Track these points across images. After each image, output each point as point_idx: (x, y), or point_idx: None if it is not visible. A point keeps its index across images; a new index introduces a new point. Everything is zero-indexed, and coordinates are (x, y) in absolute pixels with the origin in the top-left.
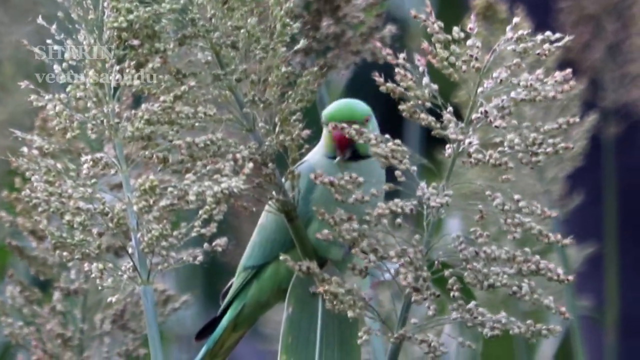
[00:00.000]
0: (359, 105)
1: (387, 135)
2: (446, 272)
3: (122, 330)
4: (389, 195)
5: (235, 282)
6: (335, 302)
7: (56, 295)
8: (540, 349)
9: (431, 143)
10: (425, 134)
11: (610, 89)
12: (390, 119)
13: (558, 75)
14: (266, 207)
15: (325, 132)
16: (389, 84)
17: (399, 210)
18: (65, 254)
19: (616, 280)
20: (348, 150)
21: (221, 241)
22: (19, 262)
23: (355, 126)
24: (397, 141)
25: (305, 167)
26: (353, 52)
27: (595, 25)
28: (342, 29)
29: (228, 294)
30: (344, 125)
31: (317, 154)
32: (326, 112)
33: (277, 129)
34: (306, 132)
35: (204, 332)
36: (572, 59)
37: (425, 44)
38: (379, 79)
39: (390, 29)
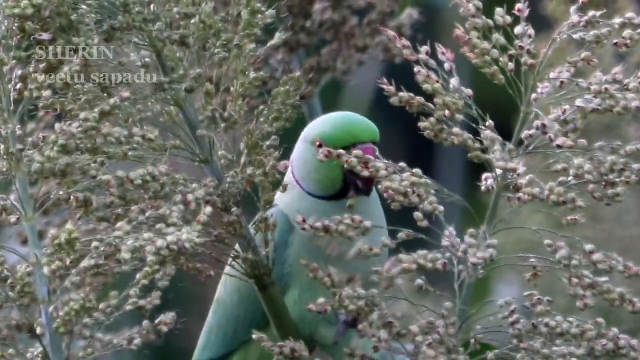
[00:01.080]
0: (368, 121)
1: (402, 164)
2: (489, 355)
3: None
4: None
5: None
6: None
7: None
8: None
9: (478, 172)
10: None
11: None
12: (421, 139)
13: None
14: (227, 270)
15: (314, 160)
16: (403, 94)
17: (429, 264)
18: None
19: None
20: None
21: (167, 317)
22: None
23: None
24: (416, 170)
25: (275, 213)
26: (358, 48)
27: None
28: (343, 16)
29: None
30: (368, 153)
31: (289, 194)
32: (332, 132)
33: (243, 160)
34: (284, 163)
35: None
36: None
37: (459, 31)
38: (388, 87)
39: (411, 15)
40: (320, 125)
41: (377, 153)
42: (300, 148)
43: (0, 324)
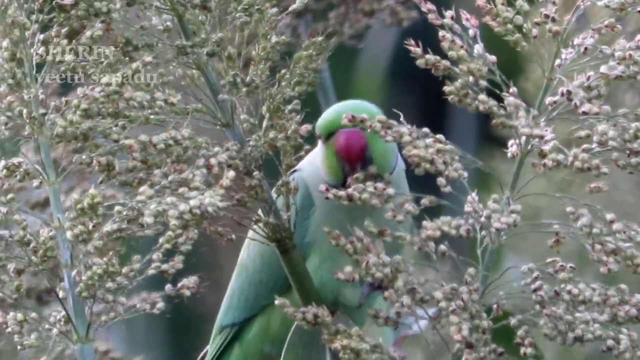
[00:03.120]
0: (371, 106)
1: (425, 129)
2: (512, 321)
3: None
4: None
5: (210, 349)
6: None
7: None
8: None
9: (487, 144)
10: (479, 132)
11: None
12: (436, 108)
13: None
14: (249, 234)
15: (322, 150)
16: (430, 56)
17: (453, 231)
18: None
19: None
20: (358, 165)
21: (189, 281)
22: None
23: (376, 122)
24: (440, 136)
25: (297, 178)
26: (365, 13)
27: None
28: None
29: None
30: (364, 115)
31: (315, 174)
32: (321, 121)
33: (265, 124)
34: (306, 126)
35: None
36: None
37: (480, 0)
38: (415, 49)
39: None
40: (325, 116)
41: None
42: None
43: (21, 289)
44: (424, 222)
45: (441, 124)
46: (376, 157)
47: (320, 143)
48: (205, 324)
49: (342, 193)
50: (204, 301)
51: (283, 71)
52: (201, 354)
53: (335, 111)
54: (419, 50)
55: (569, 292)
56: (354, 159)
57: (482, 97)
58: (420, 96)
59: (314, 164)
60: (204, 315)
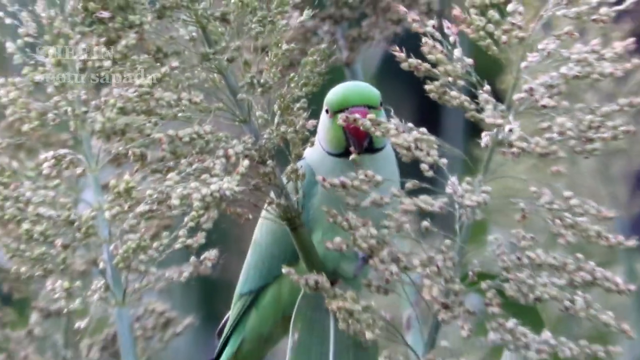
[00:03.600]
0: (373, 89)
1: (409, 124)
2: (483, 284)
3: None
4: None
5: (231, 314)
6: (350, 322)
7: (34, 316)
8: None
9: (476, 134)
10: (469, 123)
11: None
12: (429, 106)
13: (618, 46)
14: (262, 213)
15: (326, 122)
16: (412, 60)
17: (428, 207)
18: (24, 269)
19: None
20: (366, 142)
21: (210, 254)
22: None
23: (371, 115)
24: (422, 129)
25: (304, 164)
26: (393, 21)
27: None
28: None
29: (224, 331)
30: (357, 115)
31: (315, 151)
32: (333, 98)
33: (277, 119)
34: (312, 122)
35: None
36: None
37: (456, 11)
38: (399, 54)
39: None
40: (330, 92)
41: (371, 114)
42: (322, 113)
43: (67, 261)
44: (402, 198)
45: (437, 116)
46: (374, 136)
47: (324, 117)
48: (233, 287)
49: (336, 181)
50: (232, 268)
51: (292, 74)
52: (223, 320)
53: (344, 90)
54: (403, 55)
55: (529, 257)
56: (361, 135)
57: (454, 93)
58: (418, 93)
59: (316, 147)
60: (232, 280)
